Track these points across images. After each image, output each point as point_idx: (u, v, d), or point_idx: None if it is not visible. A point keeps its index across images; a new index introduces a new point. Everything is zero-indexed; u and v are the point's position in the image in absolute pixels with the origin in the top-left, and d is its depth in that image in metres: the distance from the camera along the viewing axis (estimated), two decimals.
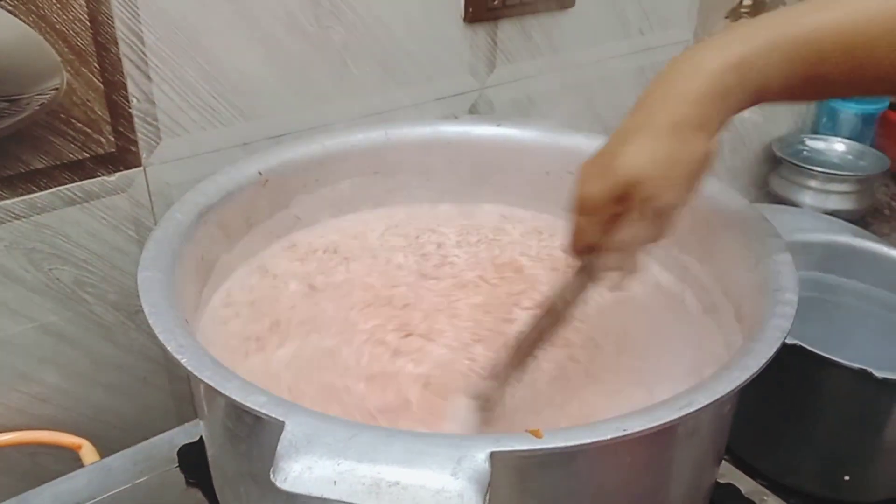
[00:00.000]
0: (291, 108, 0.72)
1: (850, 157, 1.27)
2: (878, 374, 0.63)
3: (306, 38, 0.70)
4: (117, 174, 0.64)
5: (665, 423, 0.36)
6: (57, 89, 0.58)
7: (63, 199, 0.62)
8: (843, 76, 0.44)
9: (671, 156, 0.42)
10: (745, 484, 0.60)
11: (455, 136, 0.69)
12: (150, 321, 0.42)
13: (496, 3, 0.81)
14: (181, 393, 0.75)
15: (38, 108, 0.58)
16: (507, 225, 0.69)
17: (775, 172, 1.27)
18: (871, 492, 0.72)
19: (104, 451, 0.63)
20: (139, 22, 0.60)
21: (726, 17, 1.10)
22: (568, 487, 0.39)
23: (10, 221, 0.60)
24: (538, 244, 0.67)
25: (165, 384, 0.74)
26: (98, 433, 0.67)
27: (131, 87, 0.62)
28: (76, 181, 0.62)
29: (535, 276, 0.62)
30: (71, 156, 0.61)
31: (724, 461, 0.59)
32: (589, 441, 0.35)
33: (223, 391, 0.37)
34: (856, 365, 0.64)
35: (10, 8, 0.54)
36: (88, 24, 0.58)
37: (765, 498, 0.59)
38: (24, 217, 0.61)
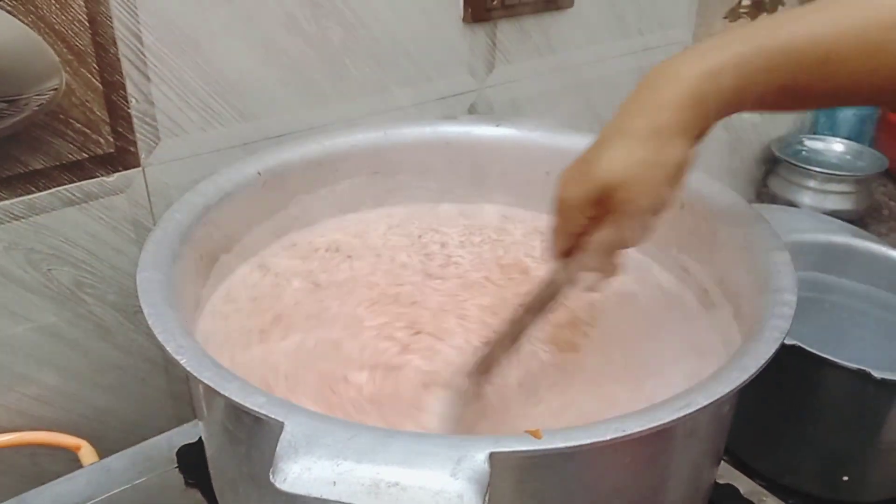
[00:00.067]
0: (291, 108, 0.72)
1: (848, 157, 1.27)
2: (877, 374, 0.63)
3: (305, 39, 0.70)
4: (116, 175, 0.64)
5: (664, 424, 0.36)
6: (56, 90, 0.58)
7: (62, 199, 0.62)
8: (819, 87, 0.44)
9: (648, 160, 0.43)
10: (744, 484, 0.60)
11: (455, 136, 0.69)
12: (149, 322, 0.42)
13: (495, 3, 0.81)
14: (180, 393, 0.75)
15: (36, 108, 0.58)
16: (508, 225, 0.69)
17: (774, 172, 1.27)
18: (870, 492, 0.72)
19: (103, 451, 0.63)
20: (138, 22, 0.60)
21: (725, 18, 1.10)
22: (567, 488, 0.39)
23: (8, 222, 0.60)
24: (541, 245, 0.67)
25: (164, 385, 0.74)
26: (97, 434, 0.67)
27: (130, 88, 0.62)
28: (75, 182, 0.62)
29: (540, 278, 0.62)
30: (70, 156, 0.61)
31: (722, 461, 0.59)
32: (588, 441, 0.35)
33: (222, 392, 0.37)
34: (854, 365, 0.64)
35: (9, 8, 0.54)
36: (87, 24, 0.58)
37: (764, 498, 0.59)
38: (22, 218, 0.61)
